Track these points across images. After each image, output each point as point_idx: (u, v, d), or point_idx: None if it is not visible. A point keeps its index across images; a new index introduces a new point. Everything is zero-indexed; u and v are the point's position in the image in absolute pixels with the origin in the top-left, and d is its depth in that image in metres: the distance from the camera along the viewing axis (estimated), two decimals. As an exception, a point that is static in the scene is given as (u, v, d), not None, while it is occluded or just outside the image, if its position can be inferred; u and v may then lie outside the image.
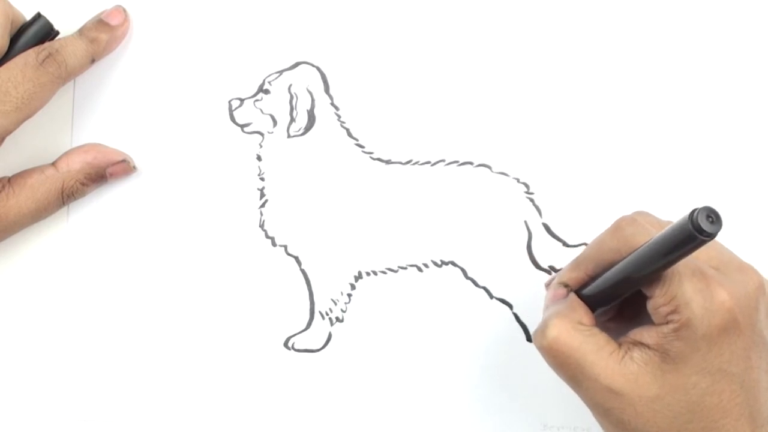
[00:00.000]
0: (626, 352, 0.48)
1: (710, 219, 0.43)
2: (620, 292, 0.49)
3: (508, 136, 0.60)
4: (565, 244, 0.60)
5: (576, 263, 0.51)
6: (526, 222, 0.60)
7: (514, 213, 0.60)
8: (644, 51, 0.60)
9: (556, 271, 0.60)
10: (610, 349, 0.48)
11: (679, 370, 0.46)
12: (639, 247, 0.47)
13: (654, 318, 0.48)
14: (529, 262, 0.60)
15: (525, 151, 0.60)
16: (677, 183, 0.60)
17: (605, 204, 0.60)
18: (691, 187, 0.60)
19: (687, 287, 0.46)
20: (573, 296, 0.51)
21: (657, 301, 0.47)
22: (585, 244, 0.59)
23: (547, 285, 0.54)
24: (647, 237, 0.47)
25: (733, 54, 0.60)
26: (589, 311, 0.50)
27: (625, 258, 0.48)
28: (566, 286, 0.51)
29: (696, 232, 0.43)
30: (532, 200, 0.60)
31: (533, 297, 0.59)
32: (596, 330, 0.49)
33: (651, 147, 0.60)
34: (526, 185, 0.60)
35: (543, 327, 0.49)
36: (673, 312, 0.47)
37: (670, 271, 0.47)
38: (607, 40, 0.60)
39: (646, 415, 0.47)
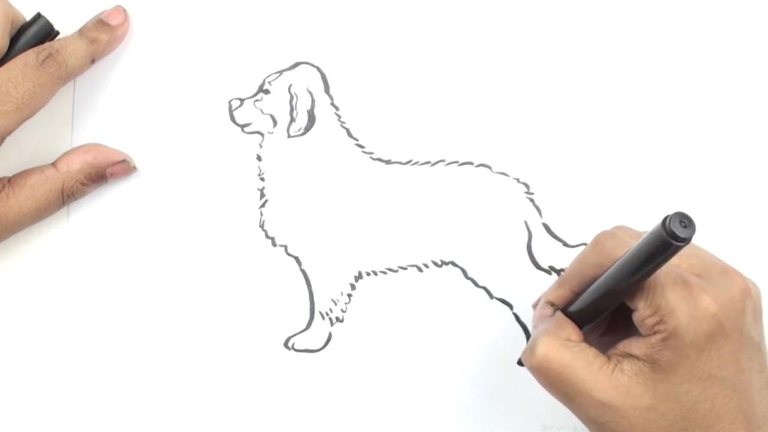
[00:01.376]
0: (616, 365, 0.48)
1: (683, 224, 0.43)
2: (604, 306, 0.49)
3: (508, 136, 0.60)
4: (565, 244, 0.60)
5: (560, 281, 0.52)
6: (526, 222, 0.60)
7: (514, 213, 0.60)
8: (644, 52, 0.60)
9: (556, 271, 0.60)
10: (600, 363, 0.48)
11: (670, 378, 0.46)
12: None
13: (641, 329, 0.48)
14: (529, 262, 0.60)
15: (525, 151, 0.60)
16: (677, 183, 0.60)
17: (605, 204, 0.60)
18: (692, 188, 0.60)
19: (670, 296, 0.46)
20: (560, 314, 0.51)
21: (642, 312, 0.47)
22: (585, 244, 0.59)
23: (534, 306, 0.54)
24: (626, 249, 0.47)
25: (733, 55, 0.60)
26: (576, 328, 0.50)
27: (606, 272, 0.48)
28: (552, 305, 0.52)
29: (670, 238, 0.43)
30: (532, 200, 0.60)
31: (533, 297, 0.59)
32: (585, 345, 0.49)
33: (651, 147, 0.60)
34: (526, 185, 0.60)
35: (532, 346, 0.49)
36: (659, 322, 0.47)
37: (652, 281, 0.47)
38: (607, 40, 0.60)
39: (641, 426, 0.47)
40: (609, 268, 0.48)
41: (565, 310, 0.51)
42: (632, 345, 0.48)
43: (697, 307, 0.46)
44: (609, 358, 0.48)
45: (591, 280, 0.49)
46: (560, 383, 0.48)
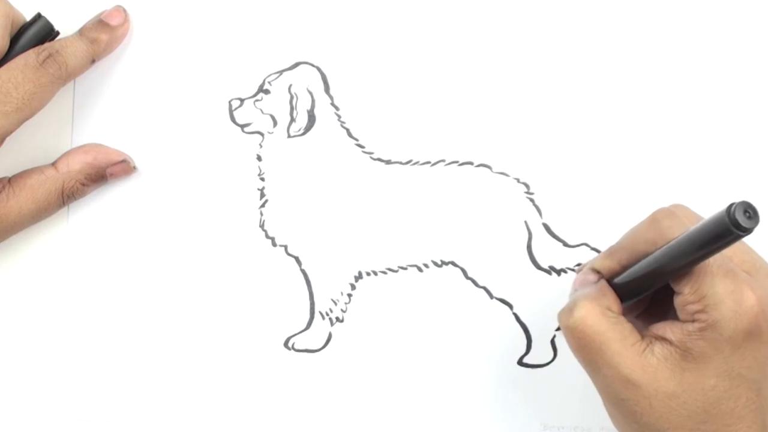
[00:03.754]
0: (648, 345, 0.47)
1: (747, 214, 0.42)
2: (650, 284, 0.49)
3: (508, 136, 0.60)
4: (565, 245, 0.60)
5: (609, 252, 0.51)
6: (526, 222, 0.60)
7: (514, 213, 0.60)
8: (644, 51, 0.60)
9: (556, 271, 0.60)
10: (633, 339, 0.48)
11: (699, 369, 0.46)
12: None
13: (680, 314, 0.47)
14: (529, 262, 0.60)
15: (525, 151, 0.60)
16: (677, 183, 0.60)
17: (605, 204, 0.60)
18: (692, 187, 0.60)
19: (719, 287, 0.46)
20: (604, 282, 0.50)
21: (686, 298, 0.47)
22: (585, 244, 0.59)
23: (578, 271, 0.54)
24: (683, 230, 0.47)
25: (733, 54, 0.60)
26: (617, 300, 0.49)
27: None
28: (597, 272, 0.51)
29: (732, 226, 0.42)
30: (532, 200, 0.60)
31: (533, 297, 0.59)
32: (623, 319, 0.48)
33: (651, 147, 0.60)
34: (526, 185, 0.60)
35: (571, 306, 0.49)
36: (700, 311, 0.46)
37: (702, 269, 0.46)
38: (607, 40, 0.60)
39: (660, 410, 0.47)
40: (662, 246, 0.47)
41: (608, 281, 0.51)
42: (667, 329, 0.47)
43: (742, 304, 0.46)
44: (642, 337, 0.48)
45: (641, 256, 0.49)
46: (591, 350, 0.48)
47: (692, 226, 0.46)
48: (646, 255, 0.48)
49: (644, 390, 0.47)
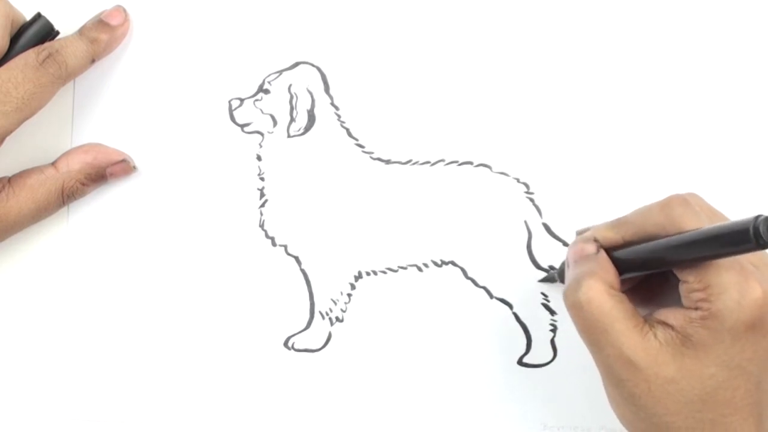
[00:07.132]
0: (651, 329, 0.47)
1: None
2: (652, 267, 0.49)
3: (508, 136, 0.60)
4: (565, 244, 0.60)
5: (615, 225, 0.51)
6: (526, 222, 0.60)
7: (514, 213, 0.60)
8: (644, 51, 0.60)
9: (556, 271, 0.60)
10: (636, 321, 0.48)
11: (699, 357, 0.46)
12: (685, 231, 0.47)
13: (684, 301, 0.47)
14: (529, 262, 0.60)
15: (525, 151, 0.60)
16: (677, 183, 0.60)
17: (605, 204, 0.60)
18: (692, 187, 0.60)
19: (724, 278, 0.46)
20: (605, 256, 0.50)
21: (691, 286, 0.47)
22: (585, 244, 0.59)
23: (579, 233, 0.53)
24: (695, 220, 0.47)
25: (733, 54, 0.60)
26: (618, 276, 0.49)
27: (668, 235, 0.47)
28: (596, 242, 0.51)
29: (755, 238, 0.42)
30: (532, 200, 0.60)
31: (533, 297, 0.59)
32: (625, 297, 0.48)
33: (651, 147, 0.60)
34: (526, 185, 0.60)
35: (576, 285, 0.49)
36: (704, 299, 0.46)
37: None
38: (607, 40, 0.60)
39: (658, 394, 0.47)
40: (671, 233, 0.47)
41: (608, 252, 0.50)
42: (669, 314, 0.48)
43: (747, 296, 0.46)
44: (645, 320, 0.48)
45: (647, 237, 0.49)
46: (596, 329, 0.48)
47: (705, 219, 0.46)
48: (653, 237, 0.48)
49: (644, 373, 0.47)
